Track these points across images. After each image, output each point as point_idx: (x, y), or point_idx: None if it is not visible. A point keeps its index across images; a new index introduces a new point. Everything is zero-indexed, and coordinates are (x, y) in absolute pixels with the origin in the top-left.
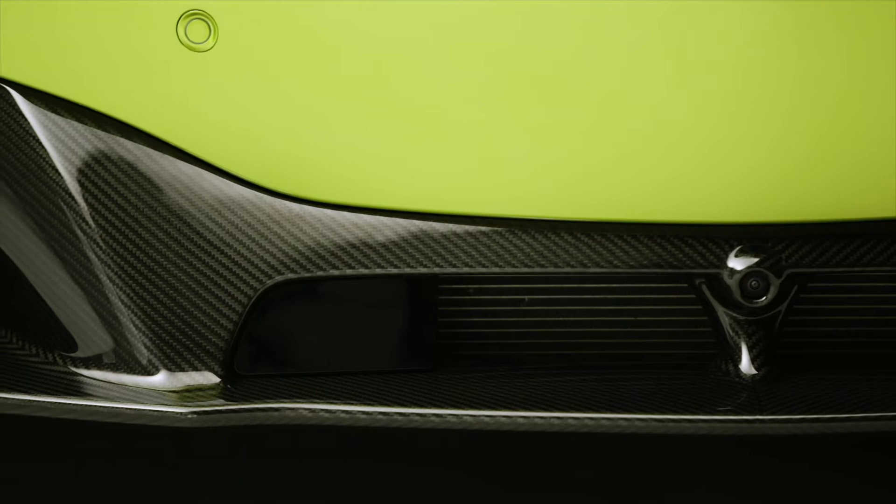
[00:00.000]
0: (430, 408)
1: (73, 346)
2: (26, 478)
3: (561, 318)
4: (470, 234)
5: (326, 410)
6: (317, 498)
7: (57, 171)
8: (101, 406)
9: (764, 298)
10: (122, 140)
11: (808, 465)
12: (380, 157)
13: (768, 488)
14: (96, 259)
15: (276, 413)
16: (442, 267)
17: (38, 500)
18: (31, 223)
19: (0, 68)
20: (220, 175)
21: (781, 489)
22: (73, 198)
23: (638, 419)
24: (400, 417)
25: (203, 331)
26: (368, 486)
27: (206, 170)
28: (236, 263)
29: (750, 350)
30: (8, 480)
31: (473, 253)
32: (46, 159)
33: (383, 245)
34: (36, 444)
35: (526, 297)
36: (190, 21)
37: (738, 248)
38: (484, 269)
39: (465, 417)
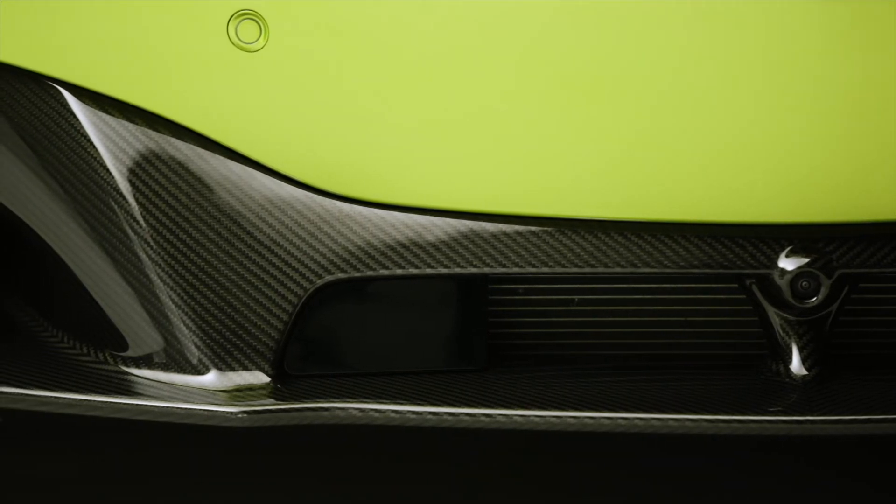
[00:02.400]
0: (480, 408)
1: (124, 346)
2: (76, 477)
3: (611, 319)
4: (520, 234)
5: (376, 410)
6: (366, 497)
7: (108, 170)
8: (151, 405)
9: (815, 299)
10: (173, 140)
11: (859, 466)
12: (430, 156)
13: (819, 489)
14: (147, 259)
15: (326, 413)
16: (492, 267)
17: (87, 498)
18: (82, 223)
19: (52, 69)
20: (270, 175)
21: (832, 490)
22: (124, 197)
23: (688, 420)
24: (450, 417)
25: (253, 330)
26: (418, 485)
27: (257, 170)
28: (287, 263)
29: (801, 350)
30: (58, 479)
31: (523, 253)
32: (98, 159)
33: (433, 245)
34: (86, 444)
35: (576, 297)
36: (241, 21)
37: (788, 249)
38: (534, 269)
39: (514, 418)
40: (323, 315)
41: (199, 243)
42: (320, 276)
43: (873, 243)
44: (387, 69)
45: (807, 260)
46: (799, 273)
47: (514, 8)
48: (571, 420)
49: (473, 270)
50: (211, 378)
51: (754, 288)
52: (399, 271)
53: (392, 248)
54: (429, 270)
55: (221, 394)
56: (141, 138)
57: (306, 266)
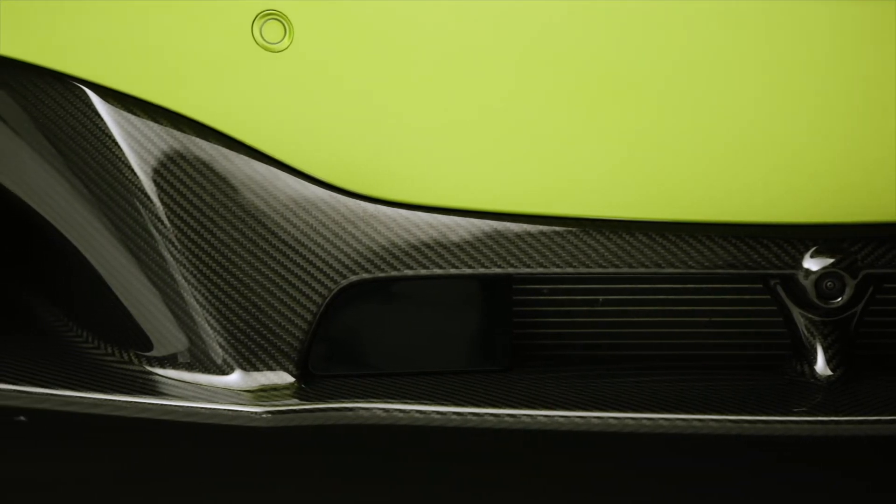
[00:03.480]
0: (504, 408)
1: (149, 346)
2: (99, 477)
3: (635, 319)
4: (544, 234)
5: (401, 410)
6: (391, 497)
7: (133, 170)
8: (176, 405)
9: (839, 299)
10: (198, 140)
11: (884, 468)
12: (455, 157)
13: (844, 489)
14: (172, 259)
15: (350, 413)
16: (516, 267)
17: (112, 499)
18: (107, 222)
19: (78, 69)
20: (294, 175)
21: (857, 490)
22: (148, 197)
23: (712, 420)
24: (474, 418)
25: (278, 330)
26: (442, 485)
27: (281, 170)
28: (311, 263)
29: (825, 351)
30: (82, 480)
31: (547, 253)
32: (122, 159)
33: (457, 245)
34: (110, 444)
35: (600, 297)
36: (265, 21)
37: (813, 249)
38: (558, 270)
39: (538, 418)
40: (347, 315)
41: (224, 243)
42: (345, 277)
43: None
44: (411, 69)
45: (831, 260)
46: (824, 273)
47: (538, 9)
48: (595, 421)
49: (497, 271)
50: (235, 378)
51: (779, 288)
52: (423, 271)
53: (416, 248)
54: (453, 271)
55: (246, 394)
56: (165, 138)
57: (331, 266)
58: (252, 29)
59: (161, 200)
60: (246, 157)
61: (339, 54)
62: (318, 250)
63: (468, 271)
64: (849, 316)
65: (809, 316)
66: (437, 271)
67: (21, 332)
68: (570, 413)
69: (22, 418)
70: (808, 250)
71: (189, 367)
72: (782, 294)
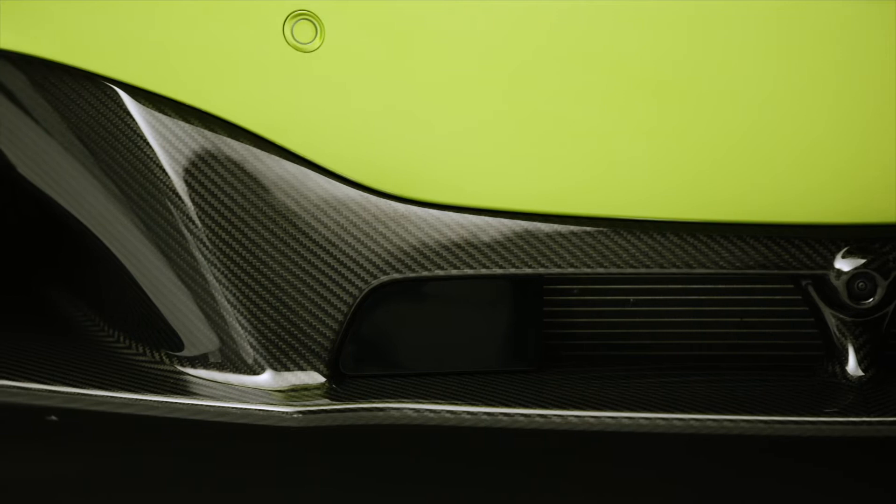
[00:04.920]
0: (534, 408)
1: (180, 346)
2: (130, 476)
3: (666, 319)
4: (575, 234)
5: (431, 410)
6: (421, 497)
7: (164, 170)
8: (207, 405)
9: (871, 300)
10: (229, 140)
11: None
12: (485, 157)
13: (874, 490)
14: (203, 259)
15: (381, 413)
16: (547, 267)
17: (142, 498)
18: (138, 222)
19: (109, 69)
20: (325, 175)
21: (888, 492)
22: (179, 197)
23: (744, 420)
24: (505, 418)
25: (309, 330)
26: (472, 486)
27: (312, 170)
28: (342, 263)
29: (857, 351)
30: (113, 479)
31: (578, 253)
32: (154, 159)
33: (488, 245)
34: (142, 443)
35: (631, 297)
36: (297, 21)
37: (845, 250)
38: (589, 270)
39: (569, 418)
40: (378, 315)
41: (255, 243)
42: (375, 277)
43: None
44: (441, 70)
45: (863, 261)
46: (855, 274)
47: (569, 11)
48: (626, 421)
49: (528, 271)
50: (266, 378)
51: (810, 289)
52: (454, 271)
53: (447, 249)
54: (483, 271)
55: (277, 394)
56: (196, 138)
57: (361, 266)
58: (283, 29)
59: (192, 200)
60: (277, 157)
61: (370, 54)
62: (348, 250)
63: (499, 271)
64: (880, 316)
65: (841, 316)
66: (468, 271)
67: (52, 331)
68: (600, 413)
69: (53, 418)
70: (839, 251)
71: (220, 367)
72: (814, 294)
